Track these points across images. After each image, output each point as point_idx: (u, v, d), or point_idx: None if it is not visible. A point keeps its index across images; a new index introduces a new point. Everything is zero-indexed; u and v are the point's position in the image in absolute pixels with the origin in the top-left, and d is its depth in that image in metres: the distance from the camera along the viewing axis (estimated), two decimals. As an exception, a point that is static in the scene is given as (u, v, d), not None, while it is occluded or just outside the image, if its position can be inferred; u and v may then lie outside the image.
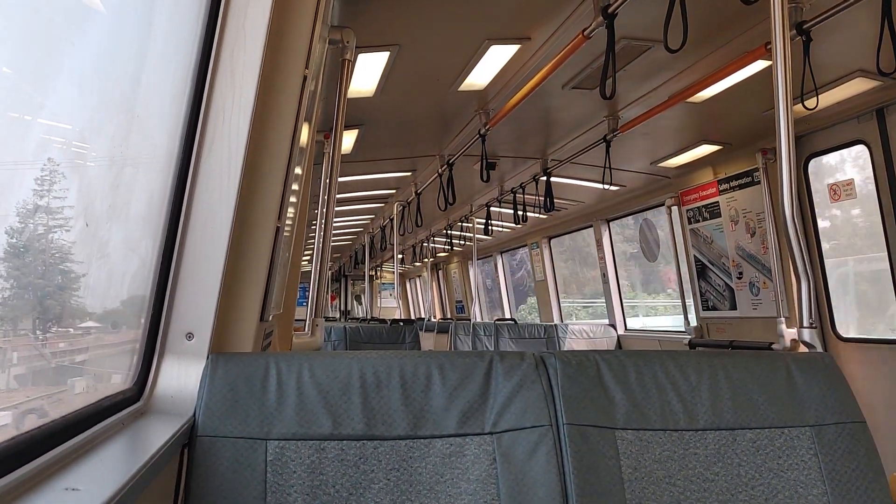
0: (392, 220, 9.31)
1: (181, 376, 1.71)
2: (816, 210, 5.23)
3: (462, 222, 10.31)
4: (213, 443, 1.58)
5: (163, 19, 1.59)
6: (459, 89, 4.61)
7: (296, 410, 1.64)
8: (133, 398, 1.63)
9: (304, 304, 3.49)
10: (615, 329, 8.57)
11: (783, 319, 4.87)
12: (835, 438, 1.76)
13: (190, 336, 1.73)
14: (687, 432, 1.74)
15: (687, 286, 6.72)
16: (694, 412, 1.77)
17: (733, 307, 6.07)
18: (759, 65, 3.92)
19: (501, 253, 12.89)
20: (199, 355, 1.72)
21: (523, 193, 7.49)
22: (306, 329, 3.36)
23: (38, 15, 0.92)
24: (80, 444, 1.23)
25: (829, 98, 4.33)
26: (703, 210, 6.31)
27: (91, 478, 1.13)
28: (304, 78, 1.94)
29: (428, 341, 9.93)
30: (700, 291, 6.52)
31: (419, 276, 19.19)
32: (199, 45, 1.71)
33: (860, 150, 4.74)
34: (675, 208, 6.72)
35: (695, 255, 6.54)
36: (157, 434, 1.47)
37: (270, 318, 2.15)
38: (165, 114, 1.66)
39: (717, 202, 6.11)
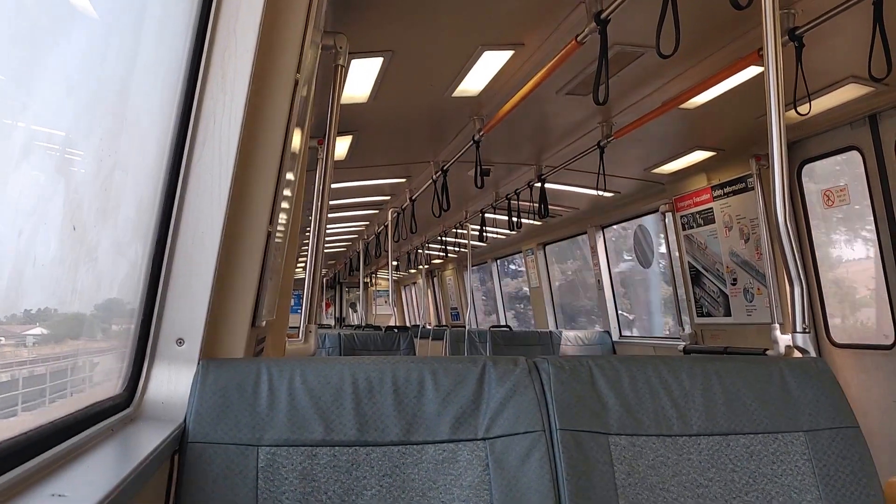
0: (386, 226, 9.31)
1: (172, 382, 1.70)
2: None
3: (457, 229, 10.31)
4: (204, 449, 1.56)
5: (153, 23, 1.59)
6: (453, 95, 4.61)
7: (287, 416, 1.63)
8: (123, 404, 1.62)
9: (299, 311, 3.47)
10: (610, 335, 8.57)
11: (777, 325, 4.90)
12: (829, 444, 1.75)
13: (180, 342, 1.72)
14: (681, 437, 1.74)
15: (681, 292, 6.73)
16: (687, 417, 1.76)
17: (727, 313, 6.07)
18: (752, 71, 3.93)
19: (496, 259, 12.89)
20: (190, 361, 1.71)
21: (518, 200, 7.49)
22: (300, 336, 3.34)
23: (22, 15, 0.91)
24: (68, 449, 1.22)
25: (821, 104, 4.35)
26: (697, 216, 6.32)
27: (78, 484, 1.12)
28: (296, 82, 1.94)
29: (423, 348, 9.92)
30: (694, 298, 6.53)
31: (414, 283, 19.19)
32: (189, 49, 1.71)
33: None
34: (669, 214, 6.73)
35: (689, 262, 6.54)
36: (147, 440, 1.46)
37: (263, 324, 2.14)
38: (155, 117, 1.65)
39: (711, 208, 6.12)
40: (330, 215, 7.53)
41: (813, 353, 2.10)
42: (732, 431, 1.75)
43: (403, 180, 7.45)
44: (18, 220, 1.00)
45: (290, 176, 2.29)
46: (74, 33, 1.14)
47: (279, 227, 2.17)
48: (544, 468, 1.63)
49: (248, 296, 1.88)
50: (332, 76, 3.02)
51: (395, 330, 9.32)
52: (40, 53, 0.98)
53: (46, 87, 1.01)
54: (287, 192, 2.32)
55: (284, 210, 2.34)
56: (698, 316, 6.50)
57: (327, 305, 21.92)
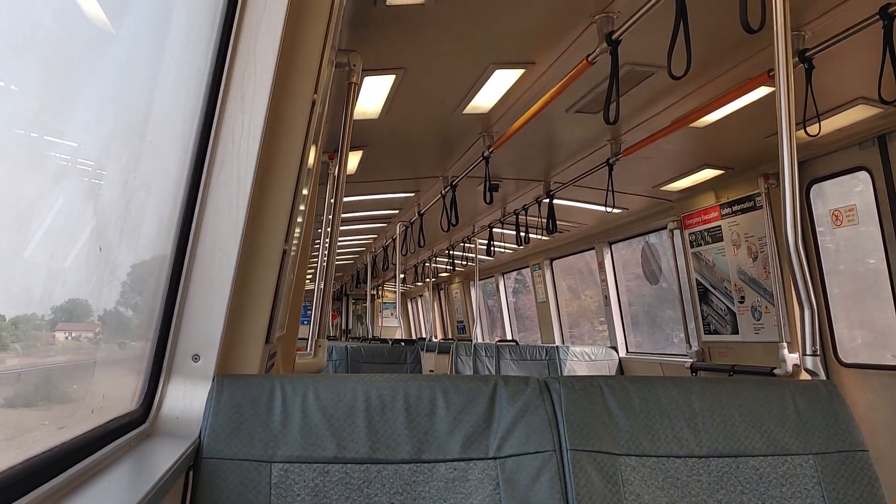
0: (395, 239, 9.34)
1: (187, 398, 1.71)
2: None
3: (464, 243, 10.32)
4: (219, 465, 1.58)
5: (175, 45, 1.62)
6: (464, 112, 4.64)
7: (300, 433, 1.64)
8: (139, 420, 1.63)
9: (306, 322, 3.48)
10: (616, 351, 8.55)
11: (785, 345, 4.88)
12: (838, 467, 1.76)
13: (196, 357, 1.74)
14: (690, 459, 1.74)
15: (689, 309, 6.72)
16: (697, 439, 1.77)
17: (735, 331, 6.06)
18: (762, 91, 3.95)
19: (503, 274, 12.89)
20: (205, 377, 1.73)
21: (526, 215, 7.51)
22: (309, 349, 3.35)
23: (60, 46, 0.94)
24: (88, 467, 1.23)
25: (831, 124, 4.36)
26: (706, 234, 6.32)
27: (98, 503, 1.14)
28: (313, 102, 1.96)
29: (429, 361, 9.91)
30: (702, 315, 6.52)
31: (421, 296, 19.18)
32: (210, 70, 1.73)
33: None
34: (677, 232, 6.74)
35: (696, 279, 6.54)
36: (163, 457, 1.47)
37: (275, 340, 2.16)
38: (176, 137, 1.68)
39: (720, 226, 6.12)
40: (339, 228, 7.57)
41: (822, 376, 2.10)
42: (742, 453, 1.76)
43: (412, 194, 7.48)
44: (51, 241, 1.02)
45: (304, 192, 2.31)
46: (103, 60, 1.17)
47: (293, 243, 2.19)
48: (555, 488, 1.64)
49: (262, 312, 1.90)
50: (346, 93, 3.05)
51: (402, 343, 9.32)
52: (74, 81, 1.01)
53: (80, 114, 1.04)
54: (301, 208, 2.34)
55: (298, 225, 2.36)
56: (706, 333, 6.49)
57: (333, 317, 21.92)
